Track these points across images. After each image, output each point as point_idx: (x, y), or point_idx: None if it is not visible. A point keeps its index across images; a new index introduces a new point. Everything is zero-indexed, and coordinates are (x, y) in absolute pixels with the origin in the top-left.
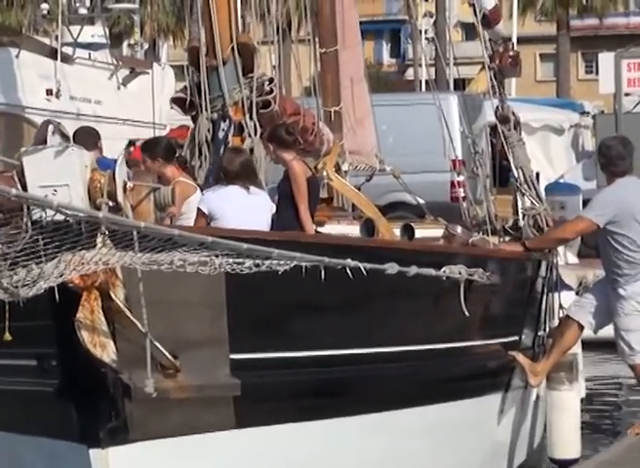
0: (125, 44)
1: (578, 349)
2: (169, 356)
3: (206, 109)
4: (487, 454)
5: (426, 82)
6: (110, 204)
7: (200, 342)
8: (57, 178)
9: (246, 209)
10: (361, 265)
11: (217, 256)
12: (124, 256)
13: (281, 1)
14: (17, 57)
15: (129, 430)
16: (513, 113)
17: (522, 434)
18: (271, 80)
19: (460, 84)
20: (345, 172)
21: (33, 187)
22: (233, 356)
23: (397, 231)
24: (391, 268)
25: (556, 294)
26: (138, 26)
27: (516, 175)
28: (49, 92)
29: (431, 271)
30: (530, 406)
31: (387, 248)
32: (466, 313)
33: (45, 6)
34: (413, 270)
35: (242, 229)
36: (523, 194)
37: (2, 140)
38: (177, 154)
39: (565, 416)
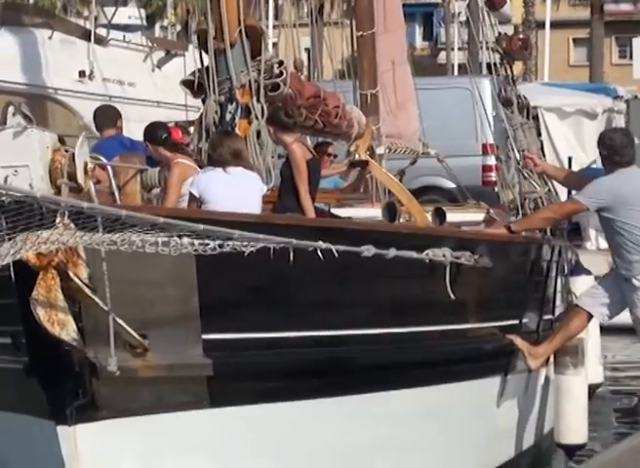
0: (157, 25)
1: (586, 334)
2: (135, 335)
3: (213, 92)
4: (488, 438)
5: (459, 65)
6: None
7: (171, 322)
8: (17, 159)
9: (235, 190)
10: (332, 247)
11: (180, 237)
12: (79, 236)
13: None
14: (49, 38)
15: (97, 408)
16: (521, 96)
17: (529, 418)
18: (281, 63)
19: (493, 68)
20: (380, 155)
21: None
22: (206, 336)
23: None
24: (367, 251)
25: (567, 279)
26: (172, 8)
27: (518, 157)
28: (82, 73)
29: (412, 254)
30: (537, 390)
31: (367, 230)
32: (452, 296)
33: None
34: (392, 253)
35: (203, 210)
36: (525, 177)
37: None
38: (163, 136)
39: (571, 401)
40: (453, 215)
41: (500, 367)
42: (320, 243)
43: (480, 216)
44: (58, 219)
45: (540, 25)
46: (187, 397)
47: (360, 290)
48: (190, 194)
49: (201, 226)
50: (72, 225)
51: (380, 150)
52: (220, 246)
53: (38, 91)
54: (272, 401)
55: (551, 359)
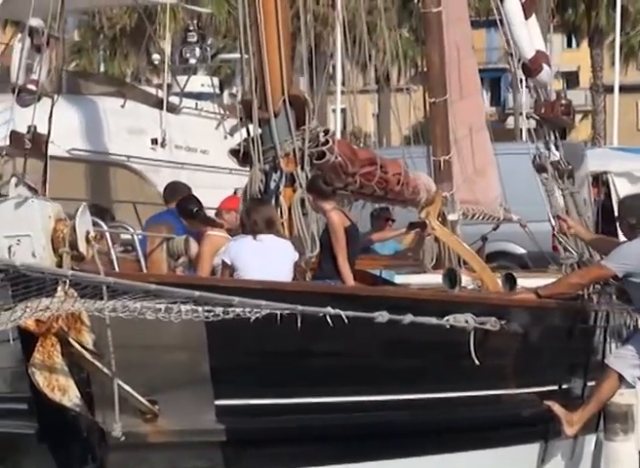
0: (226, 93)
1: (636, 399)
2: (144, 401)
3: (258, 161)
4: None
5: (528, 130)
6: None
7: (181, 387)
8: (19, 229)
9: (265, 258)
10: (342, 313)
11: (183, 303)
12: (79, 303)
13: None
14: (122, 106)
15: None
16: (563, 162)
17: None
18: (327, 131)
19: (561, 132)
20: (454, 221)
21: None
22: (218, 402)
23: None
24: (381, 317)
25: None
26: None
27: (553, 223)
28: (154, 141)
29: (431, 320)
30: (585, 457)
31: (384, 296)
32: (476, 362)
33: (156, 56)
34: (407, 318)
35: (200, 277)
36: (560, 242)
37: (106, 191)
38: (194, 210)
39: None
40: (534, 282)
41: (538, 433)
42: (329, 309)
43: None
44: (59, 287)
45: (609, 90)
46: (201, 462)
47: (383, 355)
48: (223, 262)
49: (196, 293)
50: (74, 292)
51: (452, 216)
52: (225, 312)
53: (111, 158)
54: (288, 466)
55: (601, 425)
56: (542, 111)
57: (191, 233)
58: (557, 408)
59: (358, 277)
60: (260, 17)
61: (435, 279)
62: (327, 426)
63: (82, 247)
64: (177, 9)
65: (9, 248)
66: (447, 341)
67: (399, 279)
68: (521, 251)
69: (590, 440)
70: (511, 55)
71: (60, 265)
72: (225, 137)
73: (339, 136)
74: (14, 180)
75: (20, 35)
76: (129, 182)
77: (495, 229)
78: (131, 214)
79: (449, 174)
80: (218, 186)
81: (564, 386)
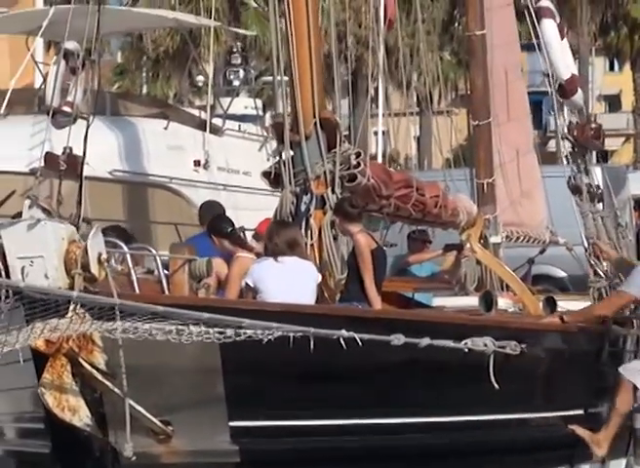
0: (268, 115)
1: None
2: (157, 421)
3: (289, 183)
4: None
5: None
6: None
7: (196, 409)
8: (32, 250)
9: (288, 281)
10: (356, 336)
11: (194, 325)
12: (89, 324)
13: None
14: (165, 128)
15: None
16: (594, 186)
17: None
18: (358, 154)
19: (603, 156)
20: (496, 244)
21: (12, 258)
22: (233, 423)
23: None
24: (397, 339)
25: None
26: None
27: (586, 245)
28: (196, 163)
29: (448, 343)
30: None
31: (399, 319)
32: (496, 386)
33: (200, 78)
34: (424, 342)
35: (210, 298)
36: (591, 265)
37: (148, 212)
38: (229, 229)
39: None
40: (575, 305)
41: (563, 457)
42: (342, 331)
43: None
44: (70, 308)
45: None
46: None
47: (402, 378)
48: (246, 284)
49: (205, 315)
50: (85, 314)
51: (495, 239)
52: (237, 334)
53: (153, 180)
54: None
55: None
56: (574, 134)
57: (223, 255)
58: (581, 430)
59: (390, 299)
60: (291, 40)
61: (473, 301)
62: (341, 448)
63: (94, 268)
64: (220, 31)
65: (22, 269)
66: (467, 364)
67: (437, 301)
68: (561, 274)
69: (620, 464)
70: (548, 76)
71: (72, 286)
72: (268, 159)
73: (380, 158)
74: (27, 202)
75: (55, 58)
76: (171, 204)
77: (542, 252)
78: (173, 236)
79: (492, 196)
80: (260, 208)
81: (590, 410)
